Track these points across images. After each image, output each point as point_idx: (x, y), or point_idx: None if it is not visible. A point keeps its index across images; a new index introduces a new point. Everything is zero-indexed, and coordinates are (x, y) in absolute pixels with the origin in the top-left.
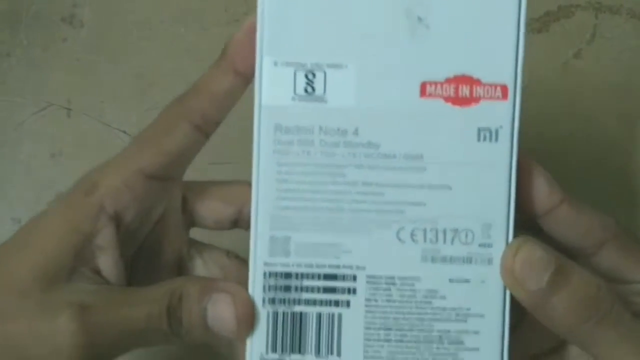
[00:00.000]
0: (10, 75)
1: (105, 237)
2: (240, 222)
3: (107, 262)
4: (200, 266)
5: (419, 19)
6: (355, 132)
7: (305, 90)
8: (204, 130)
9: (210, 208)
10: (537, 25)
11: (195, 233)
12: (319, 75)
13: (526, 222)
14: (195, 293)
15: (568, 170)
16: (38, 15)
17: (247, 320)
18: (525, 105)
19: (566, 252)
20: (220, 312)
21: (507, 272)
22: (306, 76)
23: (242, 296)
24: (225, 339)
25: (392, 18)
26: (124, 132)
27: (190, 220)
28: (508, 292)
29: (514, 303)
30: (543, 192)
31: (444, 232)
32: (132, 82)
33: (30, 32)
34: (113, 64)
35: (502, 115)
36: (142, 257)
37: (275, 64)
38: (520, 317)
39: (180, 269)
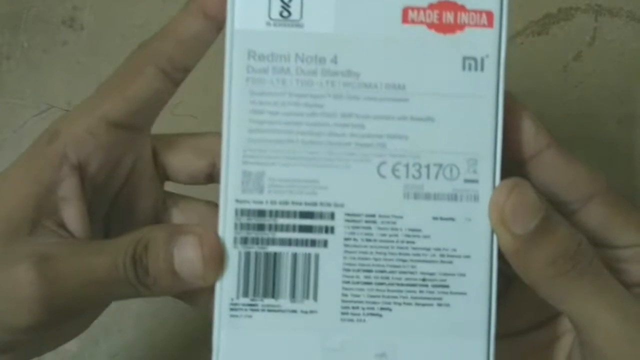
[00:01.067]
0: (11, 77)
1: (69, 187)
2: (215, 177)
3: (72, 214)
4: (178, 216)
5: None
6: (334, 60)
7: (281, 15)
8: (172, 76)
9: (182, 160)
10: (537, 27)
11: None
12: None
13: (511, 170)
14: (162, 239)
15: None
16: (38, 18)
17: (215, 262)
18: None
19: (551, 205)
20: (186, 254)
21: (496, 210)
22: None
23: (209, 236)
24: (194, 286)
25: None
26: None
27: (163, 174)
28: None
29: (501, 270)
30: (529, 133)
31: (427, 167)
32: None
33: (31, 34)
34: (113, 66)
35: (488, 43)
36: (117, 215)
37: None
38: (506, 288)
39: (158, 223)
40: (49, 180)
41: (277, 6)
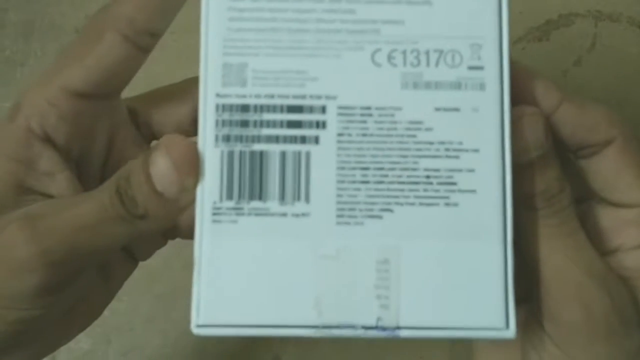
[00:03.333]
0: (24, 84)
1: (49, 161)
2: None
3: (61, 187)
4: None
5: None
6: None
7: None
8: (136, 42)
9: (164, 112)
10: (537, 33)
11: None
12: None
13: None
14: (139, 164)
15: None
16: (51, 26)
17: (188, 164)
18: None
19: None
20: (159, 167)
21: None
22: None
23: (176, 141)
24: (183, 202)
25: None
26: None
27: (149, 134)
28: (507, 123)
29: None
30: (540, 94)
31: (427, 53)
32: (142, 90)
33: (44, 42)
34: None
35: None
36: None
37: None
38: None
39: None
40: (23, 156)
41: None
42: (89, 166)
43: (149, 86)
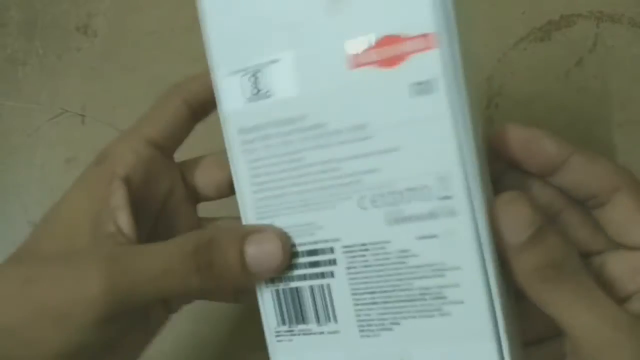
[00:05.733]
0: (26, 82)
1: (119, 197)
2: None
3: (124, 220)
4: None
5: None
6: (303, 118)
7: (253, 92)
8: (193, 107)
9: (208, 175)
10: (539, 34)
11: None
12: (261, 75)
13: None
14: (227, 236)
15: None
16: (53, 25)
17: (289, 252)
18: (527, 112)
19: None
20: (266, 247)
21: (493, 219)
22: (250, 79)
23: (280, 232)
24: (262, 278)
25: (311, 2)
26: None
27: (194, 195)
28: (485, 240)
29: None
30: (552, 149)
31: (402, 192)
32: (145, 89)
33: (46, 41)
34: (126, 72)
35: (434, 65)
36: (158, 236)
37: (226, 74)
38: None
39: None
40: (102, 195)
41: (248, 86)
42: (146, 206)
43: (151, 85)
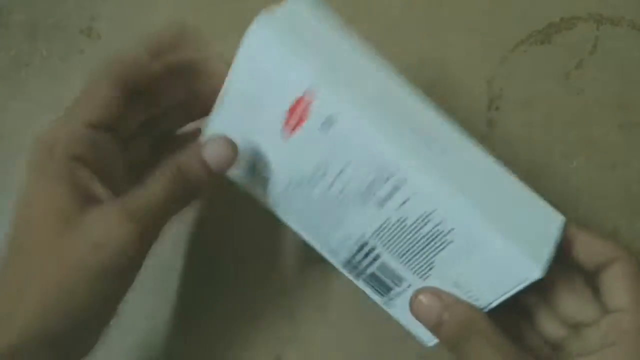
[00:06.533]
0: (29, 84)
1: (85, 174)
2: None
3: (99, 191)
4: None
5: None
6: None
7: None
8: (126, 90)
9: None
10: (539, 36)
11: None
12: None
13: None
14: (193, 155)
15: (569, 177)
16: (57, 27)
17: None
18: (528, 114)
19: (581, 269)
20: (216, 147)
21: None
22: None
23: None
24: (222, 172)
25: None
26: None
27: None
28: (437, 180)
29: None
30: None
31: (370, 186)
32: None
33: (49, 43)
34: None
35: (325, 107)
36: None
37: None
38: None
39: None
40: (72, 178)
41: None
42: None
43: None
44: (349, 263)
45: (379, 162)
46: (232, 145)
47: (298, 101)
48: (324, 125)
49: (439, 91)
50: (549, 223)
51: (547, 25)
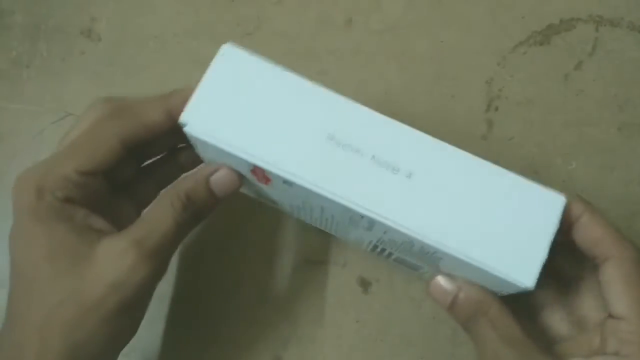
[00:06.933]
0: (30, 85)
1: (83, 214)
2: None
3: (100, 224)
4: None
5: None
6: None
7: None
8: (128, 147)
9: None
10: (539, 38)
11: None
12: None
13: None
14: (201, 181)
15: (569, 178)
16: (57, 29)
17: (239, 176)
18: (527, 115)
19: (584, 257)
20: (222, 175)
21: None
22: None
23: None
24: (226, 197)
25: None
26: None
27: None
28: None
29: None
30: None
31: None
32: (147, 93)
33: (50, 44)
34: (129, 75)
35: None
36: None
37: None
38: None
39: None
40: (69, 216)
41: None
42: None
43: (155, 88)
44: (373, 252)
45: (346, 209)
46: (237, 173)
47: (255, 168)
48: (286, 182)
49: (439, 91)
50: (546, 211)
51: (546, 27)
